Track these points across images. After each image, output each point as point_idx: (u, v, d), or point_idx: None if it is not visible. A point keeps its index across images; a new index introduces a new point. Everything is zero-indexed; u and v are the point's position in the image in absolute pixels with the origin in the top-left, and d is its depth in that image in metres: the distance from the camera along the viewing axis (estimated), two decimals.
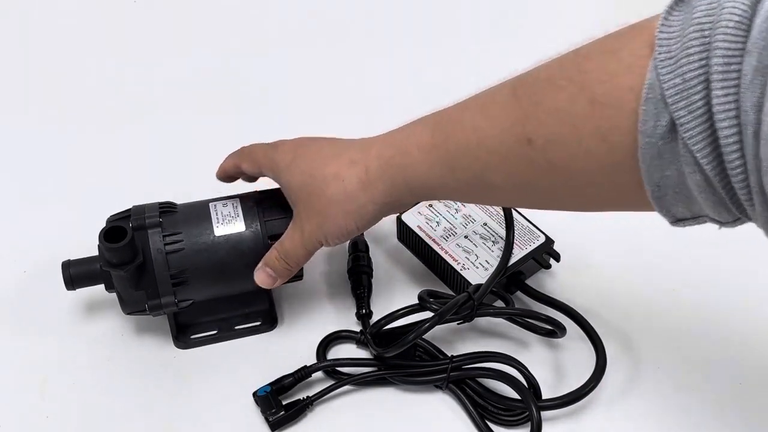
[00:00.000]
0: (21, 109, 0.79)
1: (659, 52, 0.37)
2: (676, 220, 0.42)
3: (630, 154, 0.39)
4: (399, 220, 0.65)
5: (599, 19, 0.84)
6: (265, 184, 0.60)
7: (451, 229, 0.64)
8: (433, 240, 0.63)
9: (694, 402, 0.58)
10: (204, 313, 0.61)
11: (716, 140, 0.35)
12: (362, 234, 0.66)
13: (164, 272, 0.55)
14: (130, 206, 0.58)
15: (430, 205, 0.66)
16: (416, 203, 0.65)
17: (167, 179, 0.72)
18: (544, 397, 0.56)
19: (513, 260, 0.61)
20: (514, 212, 0.64)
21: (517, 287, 0.63)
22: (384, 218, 0.68)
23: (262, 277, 0.57)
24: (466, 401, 0.56)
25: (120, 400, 0.57)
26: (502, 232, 0.63)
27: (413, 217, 0.65)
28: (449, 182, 0.49)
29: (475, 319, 0.58)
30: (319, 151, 0.56)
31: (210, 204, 0.59)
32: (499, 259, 0.61)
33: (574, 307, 0.60)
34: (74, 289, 0.58)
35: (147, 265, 0.55)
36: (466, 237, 0.63)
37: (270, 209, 0.58)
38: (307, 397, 0.57)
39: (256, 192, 0.60)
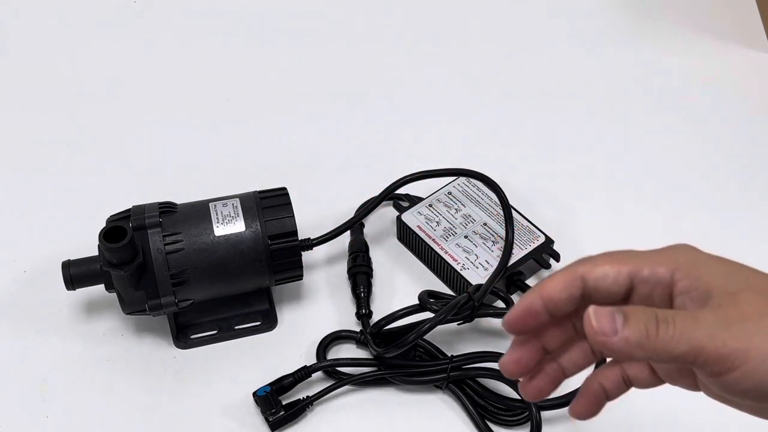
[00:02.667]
0: (21, 108, 0.79)
1: None
2: None
3: None
4: (399, 220, 0.65)
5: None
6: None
7: (451, 229, 0.64)
8: (433, 240, 0.63)
9: (694, 402, 0.58)
10: (204, 313, 0.61)
11: None
12: (362, 234, 0.66)
13: (164, 272, 0.55)
14: (130, 206, 0.58)
15: (430, 205, 0.66)
16: None
17: (167, 179, 0.72)
18: None
19: (513, 260, 0.61)
20: (514, 212, 0.64)
21: (517, 287, 0.63)
22: (384, 218, 0.69)
23: (602, 321, 0.35)
24: (466, 401, 0.56)
25: (120, 400, 0.57)
26: (502, 232, 0.63)
27: (413, 217, 0.65)
28: None
29: (475, 319, 0.58)
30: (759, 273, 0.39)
31: (210, 204, 0.59)
32: (499, 259, 0.61)
33: None
34: (74, 289, 0.58)
35: (147, 265, 0.55)
36: (466, 237, 0.63)
37: (270, 209, 0.58)
38: (307, 397, 0.57)
39: (256, 192, 0.60)
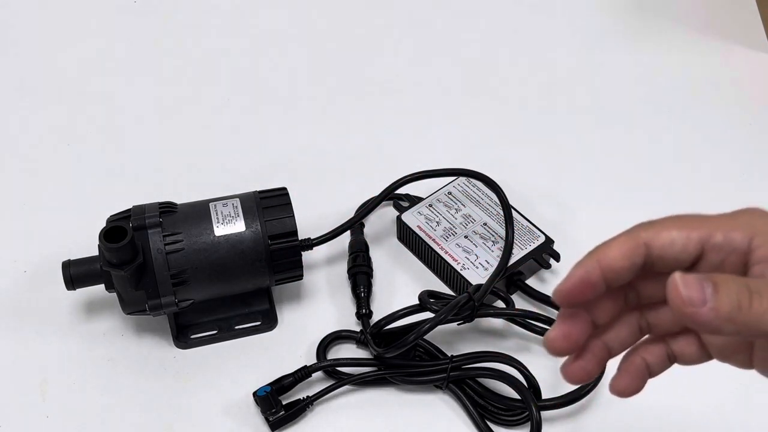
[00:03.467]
0: (21, 108, 0.79)
1: None
2: None
3: None
4: (399, 220, 0.65)
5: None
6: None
7: (451, 229, 0.64)
8: (433, 240, 0.63)
9: (694, 402, 0.58)
10: (204, 313, 0.61)
11: None
12: (362, 234, 0.66)
13: (164, 272, 0.55)
14: (130, 206, 0.58)
15: (430, 205, 0.66)
16: None
17: (167, 179, 0.72)
18: (544, 397, 0.56)
19: (513, 260, 0.61)
20: (514, 212, 0.64)
21: (517, 287, 0.63)
22: (384, 218, 0.69)
23: (691, 290, 0.32)
24: (466, 401, 0.56)
25: (120, 400, 0.57)
26: (502, 232, 0.63)
27: (413, 217, 0.65)
28: None
29: (475, 319, 0.58)
30: None
31: (210, 204, 0.59)
32: (499, 259, 0.61)
33: None
34: (74, 289, 0.58)
35: (147, 265, 0.55)
36: (466, 237, 0.63)
37: (270, 209, 0.58)
38: (307, 397, 0.57)
39: (256, 192, 0.60)
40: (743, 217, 0.36)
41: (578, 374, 0.37)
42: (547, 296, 0.61)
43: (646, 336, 0.38)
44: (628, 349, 0.38)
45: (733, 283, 0.32)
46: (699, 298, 0.32)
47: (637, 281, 0.36)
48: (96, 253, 0.57)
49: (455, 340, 0.60)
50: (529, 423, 0.54)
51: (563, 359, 0.59)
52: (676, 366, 0.59)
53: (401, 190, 0.66)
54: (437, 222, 0.64)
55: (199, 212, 0.58)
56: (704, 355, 0.38)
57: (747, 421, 0.57)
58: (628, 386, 0.37)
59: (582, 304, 0.36)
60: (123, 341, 0.61)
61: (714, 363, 0.59)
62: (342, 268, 0.65)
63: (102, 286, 0.57)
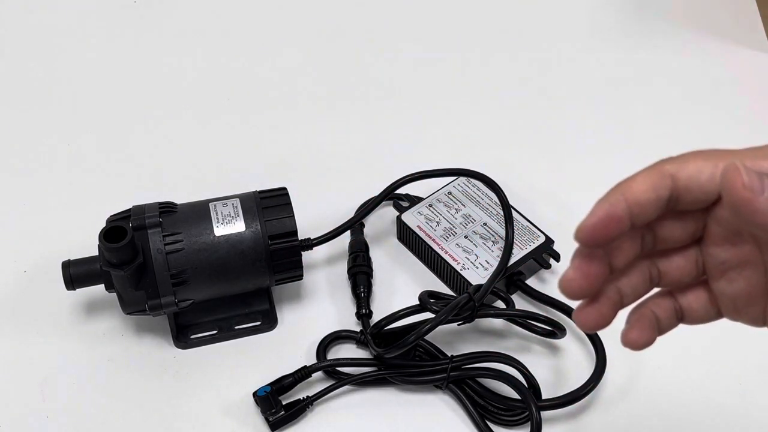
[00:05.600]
0: (21, 108, 0.79)
1: None
2: None
3: None
4: (399, 220, 0.65)
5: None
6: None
7: (451, 229, 0.64)
8: (433, 240, 0.63)
9: (694, 402, 0.58)
10: (204, 313, 0.61)
11: None
12: (362, 234, 0.66)
13: (164, 272, 0.55)
14: (130, 206, 0.58)
15: (430, 205, 0.66)
16: None
17: (167, 179, 0.72)
18: (544, 397, 0.56)
19: (513, 260, 0.61)
20: (514, 212, 0.64)
21: (517, 287, 0.63)
22: (384, 218, 0.69)
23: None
24: (466, 401, 0.56)
25: (120, 400, 0.57)
26: (502, 232, 0.63)
27: (413, 217, 0.65)
28: None
29: (476, 319, 0.58)
30: None
31: (210, 204, 0.59)
32: (499, 259, 0.61)
33: (574, 308, 0.60)
34: (74, 289, 0.58)
35: (147, 265, 0.55)
36: (466, 237, 0.63)
37: (270, 209, 0.58)
38: (307, 397, 0.57)
39: (256, 192, 0.60)
40: None
41: (594, 319, 0.36)
42: (548, 296, 0.61)
43: (655, 289, 0.38)
44: (637, 303, 0.37)
45: None
46: (759, 186, 0.31)
47: (654, 223, 0.35)
48: (96, 253, 0.57)
49: (455, 340, 0.60)
50: (529, 423, 0.54)
51: (564, 360, 0.59)
52: (676, 365, 0.59)
53: (401, 190, 0.66)
54: (437, 222, 0.64)
55: (199, 212, 0.58)
56: (713, 311, 0.37)
57: (747, 420, 0.57)
58: (640, 337, 0.36)
59: (603, 244, 0.34)
60: (123, 341, 0.61)
61: (714, 362, 0.59)
62: (342, 268, 0.65)
63: (102, 286, 0.57)
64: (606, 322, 0.36)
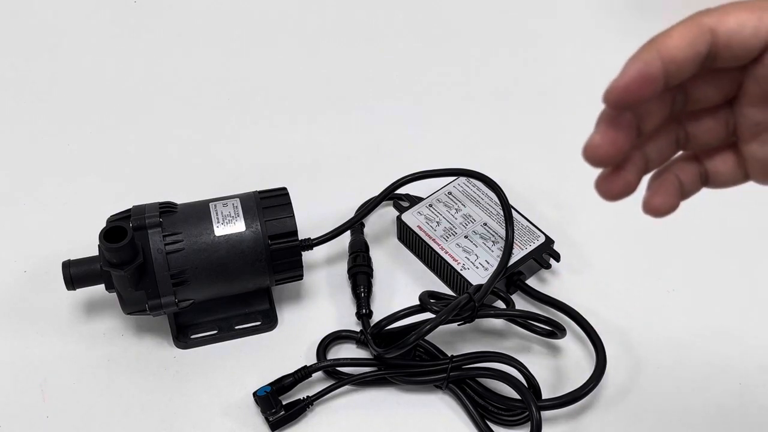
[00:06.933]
0: (21, 108, 0.79)
1: None
2: None
3: None
4: (399, 220, 0.65)
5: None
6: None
7: (451, 229, 0.64)
8: (433, 240, 0.63)
9: (694, 402, 0.58)
10: (204, 313, 0.61)
11: None
12: (362, 234, 0.66)
13: (164, 272, 0.55)
14: (130, 206, 0.58)
15: (430, 205, 0.66)
16: None
17: (167, 179, 0.72)
18: (544, 397, 0.56)
19: (513, 260, 0.61)
20: (514, 212, 0.64)
21: (517, 287, 0.63)
22: (384, 218, 0.69)
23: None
24: (466, 401, 0.56)
25: (120, 400, 0.57)
26: (502, 232, 0.63)
27: (413, 217, 0.65)
28: None
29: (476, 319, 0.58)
30: None
31: (210, 204, 0.59)
32: (499, 259, 0.61)
33: (574, 307, 0.60)
34: (74, 289, 0.58)
35: (147, 265, 0.55)
36: (466, 237, 0.63)
37: (270, 209, 0.58)
38: (307, 397, 0.57)
39: (256, 192, 0.60)
40: None
41: (620, 187, 0.34)
42: (548, 296, 0.61)
43: (680, 153, 0.36)
44: (659, 168, 0.35)
45: None
46: None
47: (687, 82, 0.33)
48: (96, 253, 0.57)
49: (455, 340, 0.60)
50: (529, 423, 0.54)
51: (564, 360, 0.59)
52: (676, 365, 0.59)
53: (401, 190, 0.66)
54: (437, 222, 0.64)
55: (199, 212, 0.58)
56: (740, 174, 0.35)
57: (747, 420, 0.57)
58: (663, 203, 0.34)
59: (634, 106, 0.32)
60: (123, 341, 0.61)
61: (714, 362, 0.59)
62: (342, 268, 0.65)
63: (102, 286, 0.57)
64: (631, 189, 0.34)
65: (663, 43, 0.31)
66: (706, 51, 0.31)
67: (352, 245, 0.65)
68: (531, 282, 0.63)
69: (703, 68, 0.32)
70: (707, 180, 0.36)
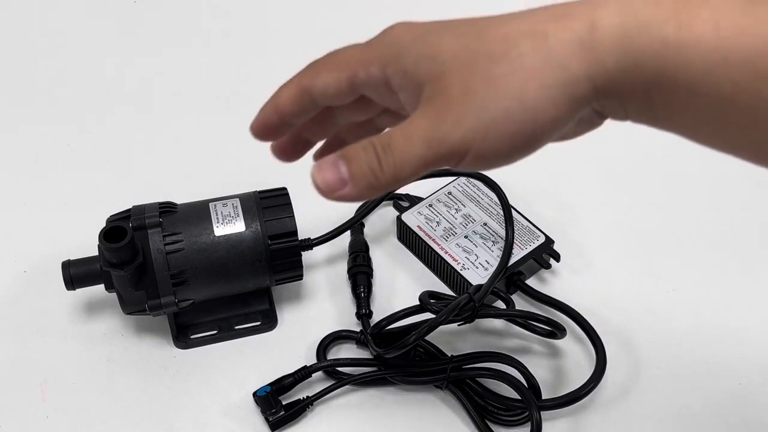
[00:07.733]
0: (21, 108, 0.79)
1: None
2: None
3: None
4: (399, 220, 0.65)
5: None
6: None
7: (451, 229, 0.64)
8: (433, 240, 0.63)
9: (694, 402, 0.58)
10: (204, 313, 0.61)
11: None
12: (362, 234, 0.66)
13: (164, 272, 0.55)
14: (130, 206, 0.58)
15: (430, 205, 0.66)
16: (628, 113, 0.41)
17: (167, 179, 0.72)
18: (544, 397, 0.56)
19: (513, 260, 0.61)
20: (514, 212, 0.64)
21: (517, 287, 0.63)
22: (384, 218, 0.69)
23: (327, 175, 0.35)
24: (466, 401, 0.56)
25: (120, 400, 0.57)
26: (502, 232, 0.63)
27: (413, 217, 0.65)
28: (742, 81, 0.31)
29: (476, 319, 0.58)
30: (475, 21, 0.39)
31: (210, 204, 0.59)
32: (499, 259, 0.61)
33: (574, 307, 0.60)
34: (74, 289, 0.58)
35: (147, 265, 0.55)
36: (466, 237, 0.63)
37: (270, 209, 0.58)
38: (307, 397, 0.57)
39: (256, 192, 0.60)
40: (378, 45, 0.37)
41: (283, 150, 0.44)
42: (548, 296, 0.61)
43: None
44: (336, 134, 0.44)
45: (362, 151, 0.34)
46: (336, 180, 0.34)
47: (330, 109, 0.40)
48: (96, 253, 0.57)
49: (455, 340, 0.60)
50: (529, 423, 0.54)
51: (564, 360, 0.59)
52: (676, 365, 0.59)
53: (401, 190, 0.66)
54: (437, 222, 0.64)
55: (199, 212, 0.58)
56: (396, 118, 0.43)
57: (747, 420, 0.57)
58: (285, 149, 0.44)
59: (270, 137, 0.42)
60: (123, 341, 0.61)
61: (714, 362, 0.59)
62: (342, 268, 0.65)
63: (102, 286, 0.57)
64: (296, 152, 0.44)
65: (278, 97, 0.40)
66: (312, 104, 0.39)
67: (352, 245, 0.65)
68: (531, 282, 0.63)
69: (319, 106, 0.39)
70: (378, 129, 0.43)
